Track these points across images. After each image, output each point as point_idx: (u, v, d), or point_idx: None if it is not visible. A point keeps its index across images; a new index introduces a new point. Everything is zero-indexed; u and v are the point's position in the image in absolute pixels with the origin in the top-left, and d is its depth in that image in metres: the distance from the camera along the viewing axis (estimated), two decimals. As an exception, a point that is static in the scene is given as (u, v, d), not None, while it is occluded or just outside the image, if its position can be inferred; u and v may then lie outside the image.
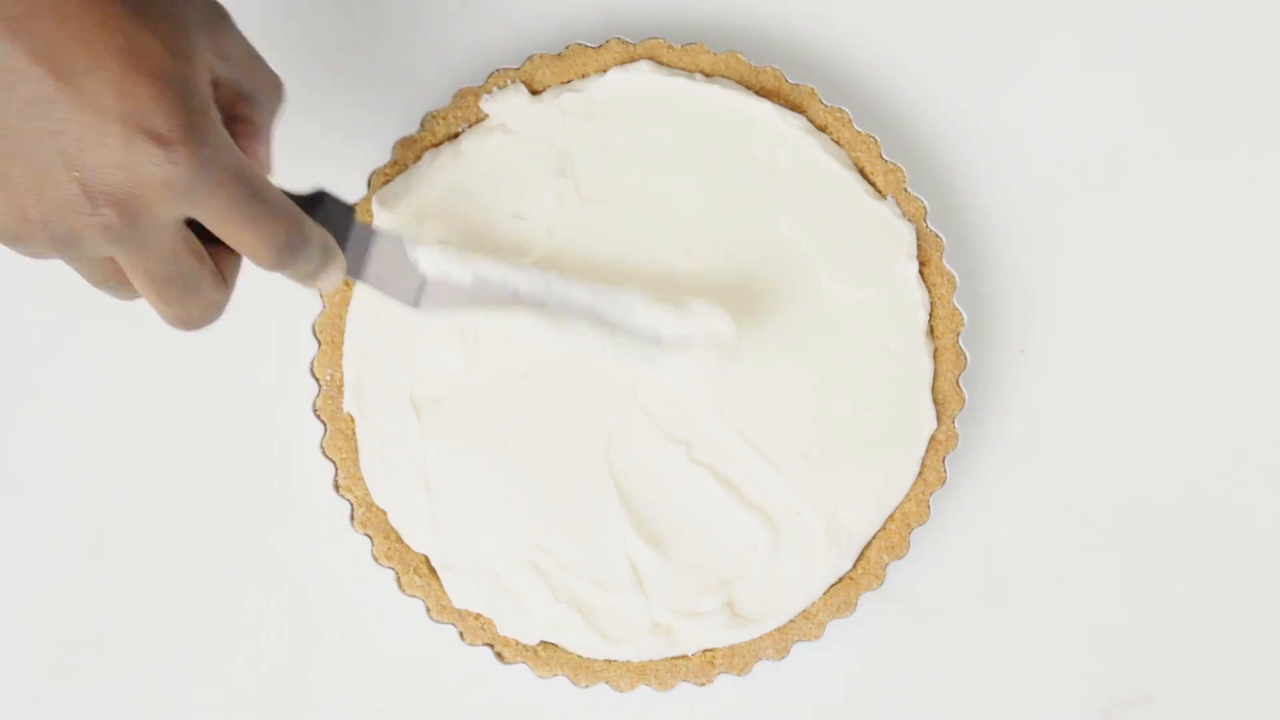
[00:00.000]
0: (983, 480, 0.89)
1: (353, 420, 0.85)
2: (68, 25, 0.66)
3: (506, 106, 0.85)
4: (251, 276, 0.89)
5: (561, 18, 0.89)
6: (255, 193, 0.70)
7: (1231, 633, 0.88)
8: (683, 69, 0.86)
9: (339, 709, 0.89)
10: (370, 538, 0.85)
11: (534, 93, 0.86)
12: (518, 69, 0.86)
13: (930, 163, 0.89)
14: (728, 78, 0.86)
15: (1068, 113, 0.89)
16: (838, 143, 0.86)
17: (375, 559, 0.85)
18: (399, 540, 0.85)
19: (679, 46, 0.86)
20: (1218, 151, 0.89)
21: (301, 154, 0.89)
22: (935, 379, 0.86)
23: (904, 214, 0.86)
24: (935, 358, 0.86)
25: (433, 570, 0.86)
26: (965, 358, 0.86)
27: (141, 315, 0.89)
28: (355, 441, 0.85)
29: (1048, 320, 0.89)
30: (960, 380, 0.86)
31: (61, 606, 0.89)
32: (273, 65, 0.74)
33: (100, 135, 0.67)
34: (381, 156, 0.87)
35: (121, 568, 0.89)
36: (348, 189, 0.88)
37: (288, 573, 0.89)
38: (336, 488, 0.86)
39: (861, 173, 0.86)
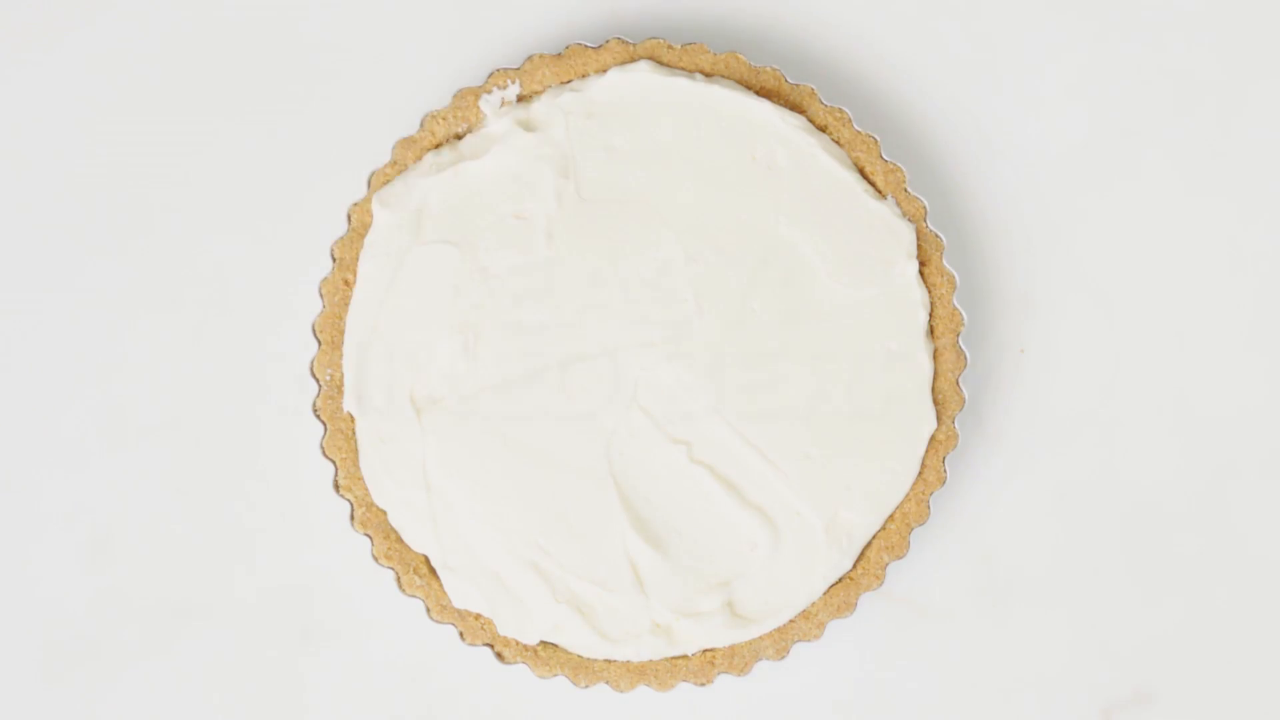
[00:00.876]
0: (983, 480, 0.89)
1: (353, 420, 0.85)
2: None
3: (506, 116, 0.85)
4: (249, 278, 0.89)
5: (561, 18, 0.89)
6: None
7: (1232, 632, 0.88)
8: (683, 69, 0.86)
9: (338, 709, 0.89)
10: (370, 538, 0.85)
11: (535, 93, 0.86)
12: (518, 69, 0.86)
13: (930, 163, 0.89)
14: (728, 78, 0.86)
15: (1069, 113, 0.89)
16: (838, 143, 0.86)
17: (375, 559, 0.85)
18: (399, 540, 0.85)
19: (679, 47, 0.86)
20: (1220, 152, 0.89)
21: (301, 155, 0.89)
22: (935, 379, 0.86)
23: (904, 214, 0.85)
24: (935, 358, 0.86)
25: (433, 570, 0.85)
26: (965, 358, 0.86)
27: (138, 316, 0.89)
28: (355, 441, 0.85)
29: (1048, 320, 0.89)
30: (960, 380, 0.85)
31: (59, 608, 0.89)
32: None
33: None
34: (381, 156, 0.87)
35: (120, 569, 0.89)
36: (347, 189, 0.88)
37: (287, 572, 0.88)
38: (336, 488, 0.85)
39: (861, 173, 0.86)
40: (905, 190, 0.86)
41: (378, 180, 0.86)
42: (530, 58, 0.86)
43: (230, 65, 0.89)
